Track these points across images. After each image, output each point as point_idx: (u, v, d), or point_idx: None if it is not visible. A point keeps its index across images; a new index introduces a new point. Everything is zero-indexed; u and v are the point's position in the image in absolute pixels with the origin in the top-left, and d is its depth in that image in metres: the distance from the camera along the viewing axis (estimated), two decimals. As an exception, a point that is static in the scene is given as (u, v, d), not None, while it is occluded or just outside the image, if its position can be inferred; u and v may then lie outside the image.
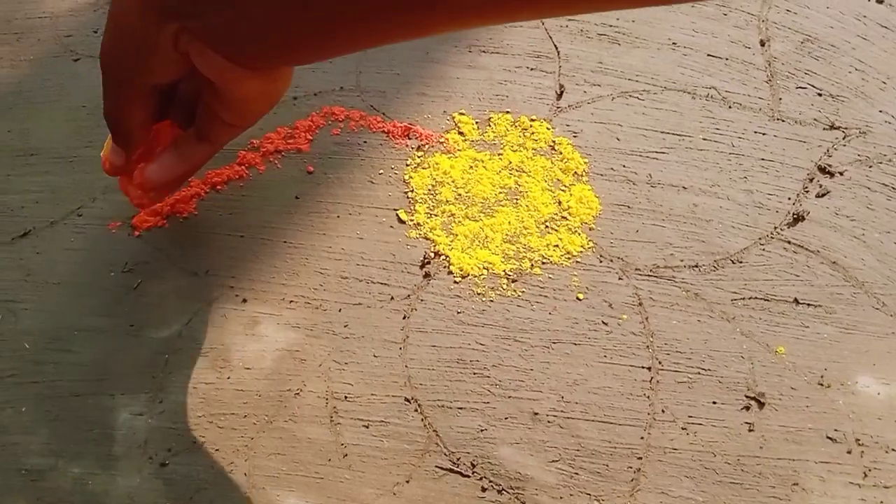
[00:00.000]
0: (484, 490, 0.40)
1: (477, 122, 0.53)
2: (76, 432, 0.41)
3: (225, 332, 0.44)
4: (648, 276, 0.47)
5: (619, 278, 0.47)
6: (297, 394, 0.42)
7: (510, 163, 0.51)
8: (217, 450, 0.40)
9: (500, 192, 0.50)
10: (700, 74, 0.57)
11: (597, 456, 0.41)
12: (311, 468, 0.40)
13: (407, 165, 0.51)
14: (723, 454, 0.41)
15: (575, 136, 0.53)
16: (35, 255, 0.46)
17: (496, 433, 0.42)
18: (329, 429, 0.41)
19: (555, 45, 0.58)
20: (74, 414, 0.41)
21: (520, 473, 0.40)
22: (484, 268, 0.47)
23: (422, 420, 0.42)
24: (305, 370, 0.43)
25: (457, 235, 0.48)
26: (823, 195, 0.51)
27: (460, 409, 0.42)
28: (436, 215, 0.49)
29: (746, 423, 0.42)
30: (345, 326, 0.45)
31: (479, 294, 0.46)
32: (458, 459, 0.41)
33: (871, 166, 0.53)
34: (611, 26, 0.59)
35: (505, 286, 0.46)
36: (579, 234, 0.48)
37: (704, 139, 0.53)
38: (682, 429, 0.42)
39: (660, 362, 0.44)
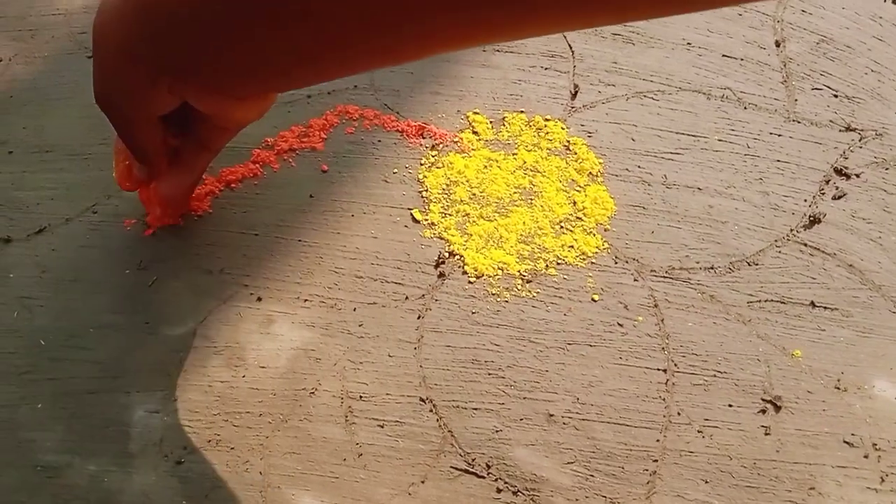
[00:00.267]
0: (499, 491, 0.40)
1: (491, 122, 0.53)
2: (92, 429, 0.41)
3: (240, 331, 0.44)
4: (664, 277, 0.47)
5: (635, 280, 0.47)
6: (312, 393, 0.42)
7: (525, 163, 0.51)
8: (232, 448, 0.40)
9: (515, 192, 0.50)
10: (715, 75, 0.56)
11: (612, 458, 0.41)
12: (326, 467, 0.40)
13: (421, 165, 0.51)
14: (739, 457, 0.41)
15: (590, 137, 0.53)
16: (50, 252, 0.46)
17: (511, 434, 0.41)
18: (344, 428, 0.41)
19: (569, 45, 0.58)
20: (90, 411, 0.41)
21: (535, 475, 0.40)
22: (499, 268, 0.47)
23: (437, 420, 0.42)
24: (320, 369, 0.43)
25: (471, 235, 0.48)
26: (840, 197, 0.51)
27: (475, 409, 0.42)
28: (450, 215, 0.49)
29: (763, 426, 0.42)
30: (360, 326, 0.44)
31: (493, 294, 0.46)
32: (473, 460, 0.41)
33: (887, 168, 0.52)
34: (625, 26, 0.59)
35: (520, 287, 0.46)
36: (594, 235, 0.48)
37: (720, 140, 0.53)
38: (698, 431, 0.42)
39: (675, 364, 0.44)
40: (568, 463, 0.41)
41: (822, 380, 0.44)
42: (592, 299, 0.46)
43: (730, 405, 0.43)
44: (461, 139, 0.52)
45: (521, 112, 0.54)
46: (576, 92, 0.55)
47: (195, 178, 0.44)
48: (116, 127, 0.38)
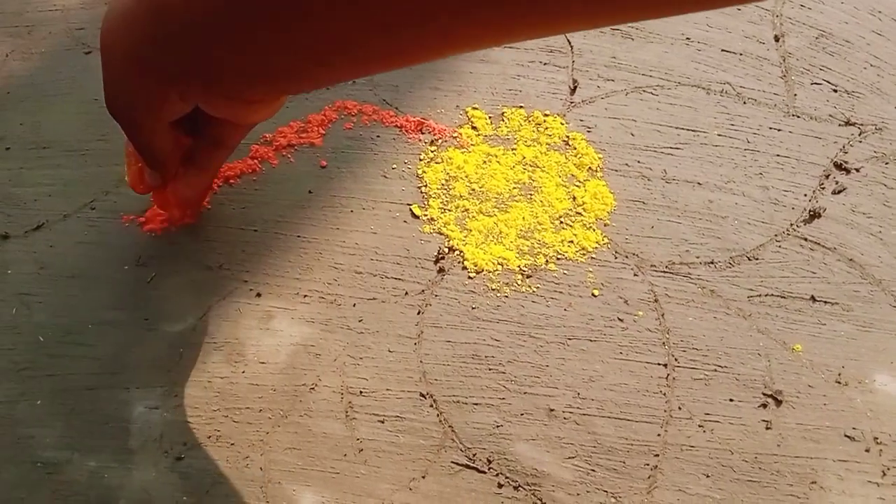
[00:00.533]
0: (500, 486, 0.40)
1: (490, 117, 0.53)
2: (91, 426, 0.40)
3: (239, 327, 0.44)
4: (664, 272, 0.47)
5: (635, 275, 0.47)
6: (312, 388, 0.42)
7: (524, 158, 0.51)
8: (232, 444, 0.40)
9: (514, 188, 0.50)
10: (714, 70, 0.56)
11: (613, 453, 0.41)
12: (326, 463, 0.40)
13: (420, 160, 0.51)
14: (740, 452, 0.41)
15: (589, 132, 0.52)
16: (48, 249, 0.46)
17: (512, 429, 0.41)
18: (344, 424, 0.41)
19: (568, 40, 0.57)
20: (89, 407, 0.41)
21: (536, 470, 0.40)
22: (498, 263, 0.47)
23: (437, 415, 0.42)
24: (320, 365, 0.43)
25: (471, 231, 0.48)
26: (840, 192, 0.51)
27: (476, 404, 0.42)
28: (449, 210, 0.49)
29: (764, 420, 0.42)
30: (359, 321, 0.44)
31: (493, 290, 0.46)
32: (474, 455, 0.41)
33: (887, 163, 0.52)
34: (625, 21, 0.58)
35: (519, 282, 0.46)
36: (594, 230, 0.48)
37: (719, 135, 0.53)
38: (699, 426, 0.42)
39: (676, 359, 0.44)
40: (569, 458, 0.41)
41: (823, 374, 0.44)
42: (592, 294, 0.46)
43: (731, 399, 0.43)
44: (460, 134, 0.52)
45: (521, 107, 0.53)
46: (575, 87, 0.55)
47: (211, 177, 0.44)
48: (128, 133, 0.38)
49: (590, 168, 0.51)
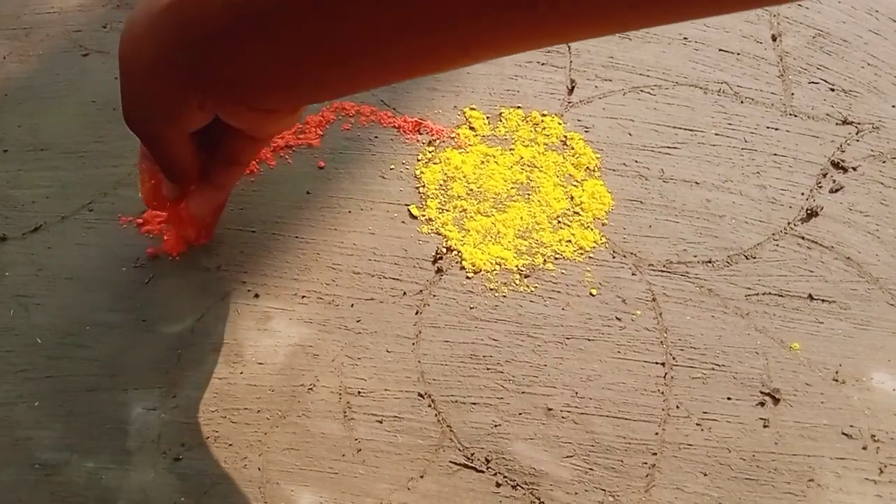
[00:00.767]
0: (498, 485, 0.40)
1: (488, 118, 0.53)
2: (90, 427, 0.40)
3: (237, 328, 0.44)
4: (662, 271, 0.47)
5: (633, 274, 0.47)
6: (311, 389, 0.42)
7: (522, 158, 0.51)
8: (231, 445, 0.40)
9: (512, 188, 0.50)
10: (712, 69, 0.56)
11: (611, 452, 0.41)
12: (325, 463, 0.40)
13: (418, 161, 0.51)
14: (738, 450, 0.41)
15: (587, 132, 0.52)
16: (46, 251, 0.46)
17: (510, 428, 0.41)
18: (343, 424, 0.41)
19: (566, 40, 0.57)
20: (88, 409, 0.41)
21: (534, 469, 0.40)
22: (496, 263, 0.47)
23: (435, 415, 0.42)
24: (318, 365, 0.43)
25: (469, 231, 0.48)
26: (837, 190, 0.51)
27: (474, 404, 0.42)
28: (447, 210, 0.49)
29: (761, 418, 0.42)
30: (357, 322, 0.44)
31: (491, 289, 0.46)
32: (472, 455, 0.41)
33: (884, 161, 0.52)
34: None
35: (517, 281, 0.46)
36: (592, 230, 0.48)
37: (717, 134, 0.53)
38: (697, 425, 0.42)
39: (674, 358, 0.44)
40: (567, 457, 0.41)
41: (821, 372, 0.44)
42: (590, 293, 0.46)
43: (728, 398, 0.43)
44: (458, 135, 0.52)
45: (518, 107, 0.53)
46: (572, 87, 0.55)
47: (226, 195, 0.43)
48: (147, 145, 0.38)
49: (587, 168, 0.51)
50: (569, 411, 0.42)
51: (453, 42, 0.27)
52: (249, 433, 0.41)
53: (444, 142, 0.52)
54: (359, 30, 0.28)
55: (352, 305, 0.45)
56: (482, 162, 0.51)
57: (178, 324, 0.44)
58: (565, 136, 0.52)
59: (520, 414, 0.42)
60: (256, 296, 0.45)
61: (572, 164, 0.51)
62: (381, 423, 0.41)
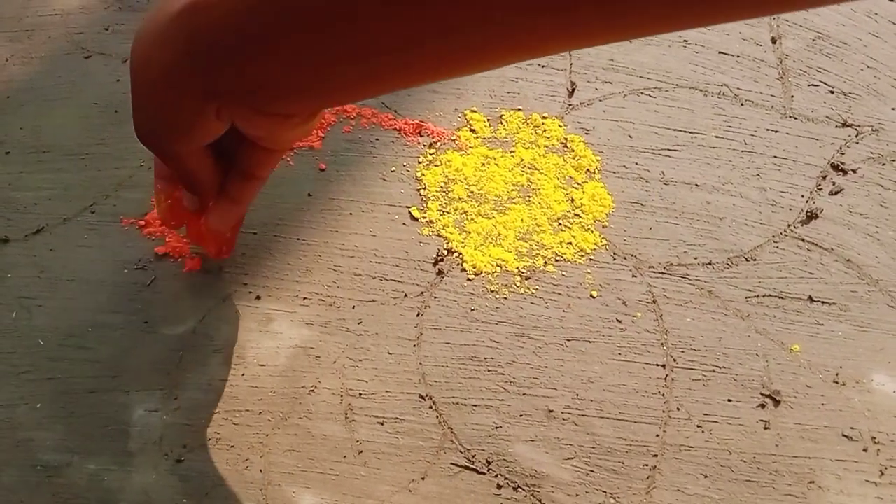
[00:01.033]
0: (499, 487, 0.40)
1: (489, 120, 0.53)
2: (91, 429, 0.41)
3: (239, 329, 0.44)
4: (662, 273, 0.47)
5: (633, 276, 0.47)
6: (312, 391, 0.42)
7: (522, 160, 0.51)
8: (232, 446, 0.40)
9: (513, 190, 0.50)
10: (712, 72, 0.56)
11: (612, 453, 0.41)
12: (326, 465, 0.40)
13: (419, 163, 0.51)
14: (738, 452, 0.41)
15: (587, 134, 0.53)
16: (48, 252, 0.46)
17: (511, 430, 0.41)
18: (344, 426, 0.41)
19: (566, 43, 0.58)
20: (89, 410, 0.41)
21: (535, 471, 0.40)
22: (497, 265, 0.47)
23: (436, 417, 0.42)
24: (320, 367, 0.43)
25: (470, 233, 0.48)
26: (837, 193, 0.51)
27: (475, 406, 0.42)
28: (448, 212, 0.49)
29: (762, 420, 0.42)
30: (358, 324, 0.44)
31: (492, 291, 0.46)
32: (473, 456, 0.41)
33: (884, 164, 0.52)
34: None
35: (518, 283, 0.46)
36: (592, 232, 0.48)
37: (717, 137, 0.53)
38: (698, 426, 0.42)
39: (674, 360, 0.44)
40: (568, 458, 0.41)
41: (821, 374, 0.44)
42: (591, 295, 0.46)
43: (729, 400, 0.43)
44: (459, 137, 0.52)
45: (519, 110, 0.54)
46: (573, 89, 0.55)
47: (244, 209, 0.42)
48: (163, 158, 0.37)
49: (588, 170, 0.51)
50: (570, 413, 0.42)
51: (489, 41, 0.26)
52: (251, 435, 0.41)
53: (444, 144, 0.52)
54: (386, 32, 0.27)
55: (353, 307, 0.45)
56: (483, 164, 0.51)
57: (180, 325, 0.44)
58: (566, 139, 0.52)
59: (521, 416, 0.42)
60: (258, 297, 0.45)
61: (573, 167, 0.51)
62: (382, 424, 0.41)
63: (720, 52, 0.58)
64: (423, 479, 0.40)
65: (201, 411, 0.41)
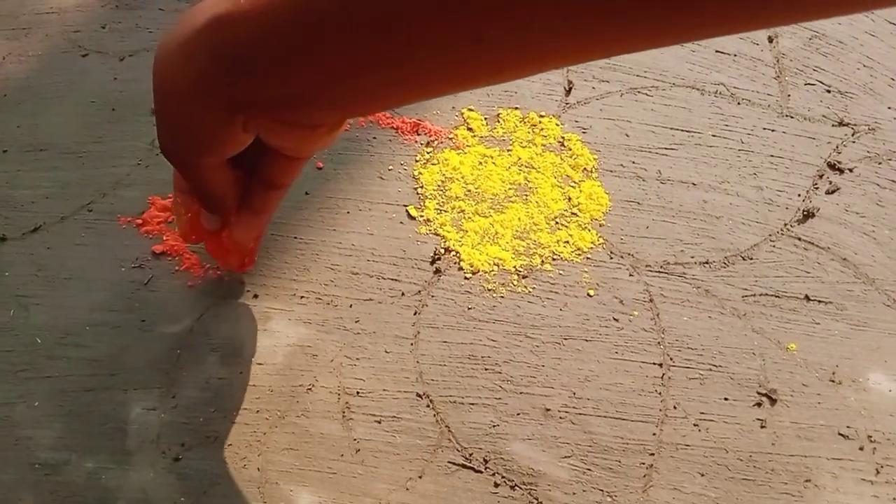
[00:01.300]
0: (497, 485, 0.40)
1: (486, 119, 0.53)
2: (89, 427, 0.41)
3: (236, 328, 0.44)
4: (659, 272, 0.47)
5: (630, 275, 0.47)
6: (309, 389, 0.42)
7: (519, 159, 0.51)
8: (230, 444, 0.40)
9: (510, 189, 0.50)
10: (708, 71, 0.57)
11: (609, 452, 0.41)
12: (323, 463, 0.40)
13: (416, 161, 0.51)
14: (735, 450, 0.41)
15: (584, 133, 0.53)
16: (46, 251, 0.46)
17: (508, 429, 0.42)
18: (341, 424, 0.41)
19: (564, 42, 0.58)
20: (87, 409, 0.41)
21: (532, 469, 0.40)
22: (494, 264, 0.47)
23: (434, 416, 0.42)
24: (317, 366, 0.43)
25: (467, 231, 0.48)
26: (833, 192, 0.51)
27: (472, 404, 0.42)
28: (446, 211, 0.49)
29: (758, 419, 0.42)
30: (356, 322, 0.45)
31: (489, 290, 0.46)
32: (470, 455, 0.41)
33: (880, 163, 0.53)
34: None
35: (515, 282, 0.46)
36: (589, 231, 0.48)
37: (713, 135, 0.53)
38: (694, 425, 0.42)
39: (671, 359, 0.44)
40: (565, 457, 0.41)
41: (817, 373, 0.44)
42: (588, 294, 0.46)
43: (725, 399, 0.43)
44: (456, 136, 0.52)
45: (516, 108, 0.54)
46: (570, 88, 0.55)
47: (267, 220, 0.42)
48: (186, 175, 0.36)
49: (585, 169, 0.51)
50: (566, 412, 0.42)
51: (530, 49, 0.26)
52: (248, 433, 0.41)
53: (442, 143, 0.52)
54: (424, 37, 0.26)
55: (350, 306, 0.45)
56: (480, 163, 0.51)
57: (178, 324, 0.44)
58: (563, 138, 0.52)
59: (518, 414, 0.42)
60: (255, 296, 0.45)
61: (570, 165, 0.51)
62: (379, 423, 0.41)
63: (717, 51, 0.58)
64: (420, 477, 0.40)
65: (199, 410, 0.41)
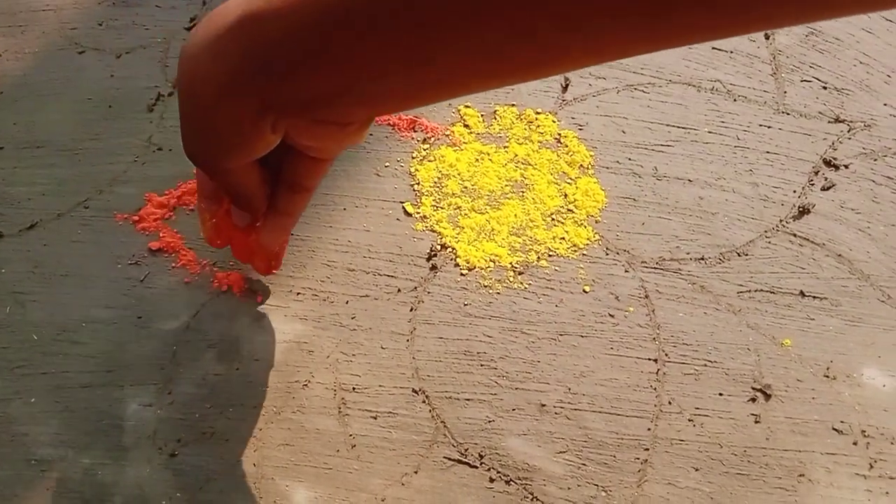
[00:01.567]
0: (492, 481, 0.40)
1: (482, 115, 0.53)
2: (85, 423, 0.41)
3: (233, 324, 0.44)
4: (654, 268, 0.47)
5: (626, 271, 0.47)
6: (306, 385, 0.42)
7: (516, 155, 0.51)
8: (226, 440, 0.41)
9: (506, 185, 0.50)
10: (705, 67, 0.57)
11: (604, 447, 0.41)
12: (319, 459, 0.40)
13: (413, 158, 0.51)
14: (729, 445, 0.42)
15: (580, 129, 0.53)
16: (42, 248, 0.46)
17: (504, 424, 0.42)
18: (337, 420, 0.41)
19: (560, 38, 0.58)
20: (83, 405, 0.41)
21: (527, 464, 0.41)
22: (490, 260, 0.47)
23: (430, 411, 0.42)
24: (313, 362, 0.43)
25: (463, 228, 0.48)
26: (829, 188, 0.51)
27: (468, 400, 0.42)
28: (442, 208, 0.49)
29: (753, 414, 0.43)
30: (352, 318, 0.45)
31: (485, 286, 0.46)
32: (465, 450, 0.41)
33: (875, 159, 0.53)
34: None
35: (511, 278, 0.46)
36: (585, 227, 0.49)
37: (710, 132, 0.53)
38: (689, 420, 0.42)
39: (666, 354, 0.44)
40: (560, 452, 0.41)
41: (812, 368, 0.44)
42: (584, 290, 0.46)
43: (720, 394, 0.43)
44: (452, 132, 0.52)
45: (513, 105, 0.54)
46: (567, 85, 0.55)
47: (293, 222, 0.41)
48: (212, 175, 0.35)
49: (581, 165, 0.51)
50: (562, 407, 0.42)
51: (572, 46, 0.25)
52: (245, 429, 0.41)
53: (438, 139, 0.52)
54: (461, 37, 0.26)
55: (347, 302, 0.45)
56: (476, 159, 0.51)
57: (174, 320, 0.44)
58: (559, 134, 0.52)
59: (513, 410, 0.42)
60: (252, 292, 0.45)
61: (566, 162, 0.51)
62: (375, 418, 0.42)
63: (713, 48, 0.58)
64: (415, 472, 0.40)
65: (195, 406, 0.41)
